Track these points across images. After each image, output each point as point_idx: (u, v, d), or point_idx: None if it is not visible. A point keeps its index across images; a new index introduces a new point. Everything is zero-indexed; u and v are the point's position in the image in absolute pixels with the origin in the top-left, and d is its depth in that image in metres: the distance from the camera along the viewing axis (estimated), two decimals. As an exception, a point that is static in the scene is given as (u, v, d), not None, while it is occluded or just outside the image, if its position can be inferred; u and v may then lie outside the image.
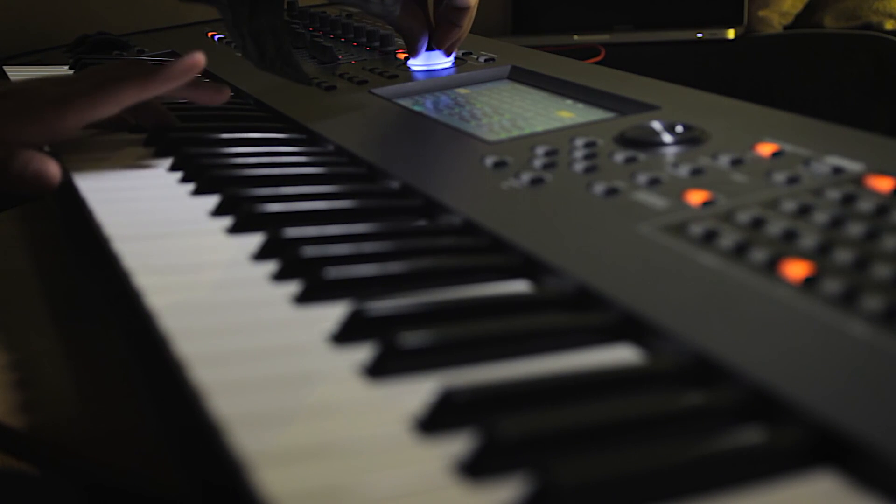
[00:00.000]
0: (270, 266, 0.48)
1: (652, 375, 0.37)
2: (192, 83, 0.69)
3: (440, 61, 0.86)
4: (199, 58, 0.67)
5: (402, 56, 0.90)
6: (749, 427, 0.33)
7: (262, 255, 0.50)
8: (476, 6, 0.83)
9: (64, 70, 1.04)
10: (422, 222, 0.55)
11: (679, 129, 0.59)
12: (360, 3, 0.81)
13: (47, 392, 0.52)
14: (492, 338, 0.40)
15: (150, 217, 0.57)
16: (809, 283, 0.40)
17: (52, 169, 0.60)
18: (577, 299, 0.44)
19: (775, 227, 0.45)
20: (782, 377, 0.34)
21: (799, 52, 1.57)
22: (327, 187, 0.61)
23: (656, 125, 0.60)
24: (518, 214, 0.52)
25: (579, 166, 0.57)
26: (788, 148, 0.55)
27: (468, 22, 0.84)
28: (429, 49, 0.85)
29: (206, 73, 0.99)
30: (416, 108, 0.76)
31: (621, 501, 0.30)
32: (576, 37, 1.63)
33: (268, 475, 0.31)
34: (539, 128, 0.67)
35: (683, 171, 0.54)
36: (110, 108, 0.64)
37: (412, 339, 0.38)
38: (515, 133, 0.66)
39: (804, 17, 1.66)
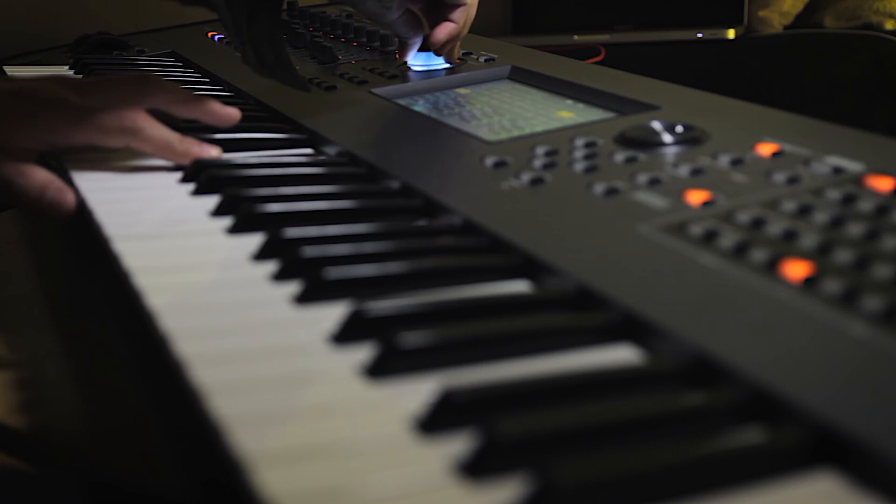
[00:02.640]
0: (270, 266, 0.48)
1: (652, 375, 0.37)
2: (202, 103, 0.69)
3: (440, 61, 0.86)
4: (235, 116, 0.70)
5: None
6: (749, 427, 0.33)
7: (262, 255, 0.50)
8: (474, 5, 0.83)
9: (64, 70, 1.04)
10: (422, 222, 0.55)
11: (679, 129, 0.59)
12: (356, 2, 0.81)
13: (47, 392, 0.52)
14: (492, 338, 0.40)
15: (151, 217, 0.57)
16: (809, 283, 0.40)
17: (69, 198, 0.60)
18: (577, 299, 0.43)
19: (775, 227, 0.45)
20: (782, 377, 0.34)
21: (799, 52, 1.57)
22: (327, 187, 0.61)
23: (656, 125, 0.60)
24: (518, 214, 0.52)
25: (579, 166, 0.57)
26: (788, 148, 0.55)
27: (463, 19, 0.83)
28: (423, 50, 0.85)
29: (206, 73, 0.99)
30: (416, 108, 0.76)
31: (621, 501, 0.30)
32: (576, 37, 1.63)
33: (268, 475, 0.31)
34: (539, 128, 0.67)
35: (683, 171, 0.54)
36: (120, 143, 0.64)
37: (412, 339, 0.38)
38: (515, 133, 0.66)
39: (804, 17, 1.66)
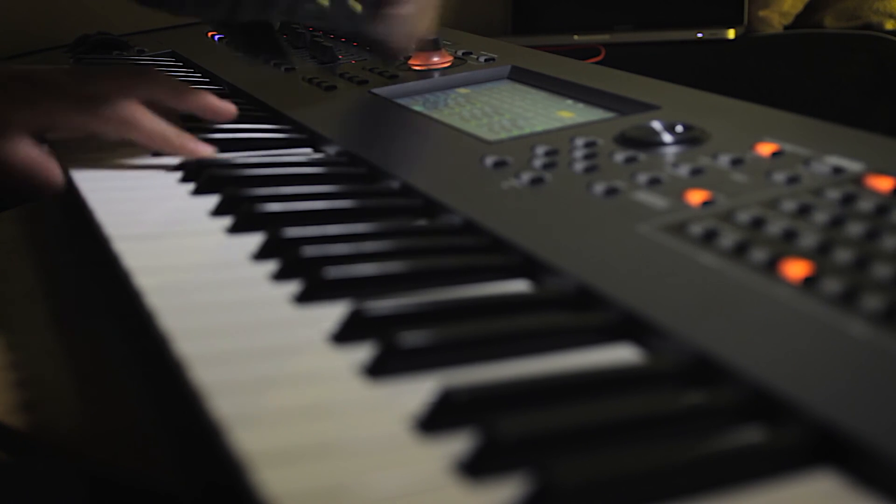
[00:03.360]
0: (270, 266, 0.48)
1: (652, 375, 0.37)
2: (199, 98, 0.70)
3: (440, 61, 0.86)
4: (231, 110, 0.70)
5: (401, 56, 0.90)
6: (749, 427, 0.33)
7: (262, 254, 0.50)
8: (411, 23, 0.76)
9: (64, 70, 1.04)
10: (422, 222, 0.55)
11: (679, 129, 0.59)
12: (330, 20, 0.77)
13: (47, 392, 0.52)
14: (491, 338, 0.40)
15: (150, 217, 0.57)
16: (809, 283, 0.40)
17: (56, 174, 0.60)
18: (577, 299, 0.43)
19: (775, 227, 0.45)
20: (782, 377, 0.34)
21: (799, 52, 1.57)
22: (327, 187, 0.61)
23: (656, 125, 0.60)
24: (518, 214, 0.52)
25: (579, 166, 0.57)
26: (788, 148, 0.55)
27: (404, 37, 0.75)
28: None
29: (206, 73, 0.99)
30: (416, 108, 0.76)
31: (621, 501, 0.30)
32: (576, 37, 1.63)
33: (268, 475, 0.31)
34: (539, 128, 0.67)
35: (683, 170, 0.54)
36: (116, 132, 0.64)
37: (412, 338, 0.38)
38: (515, 133, 0.66)
39: (804, 17, 1.66)
